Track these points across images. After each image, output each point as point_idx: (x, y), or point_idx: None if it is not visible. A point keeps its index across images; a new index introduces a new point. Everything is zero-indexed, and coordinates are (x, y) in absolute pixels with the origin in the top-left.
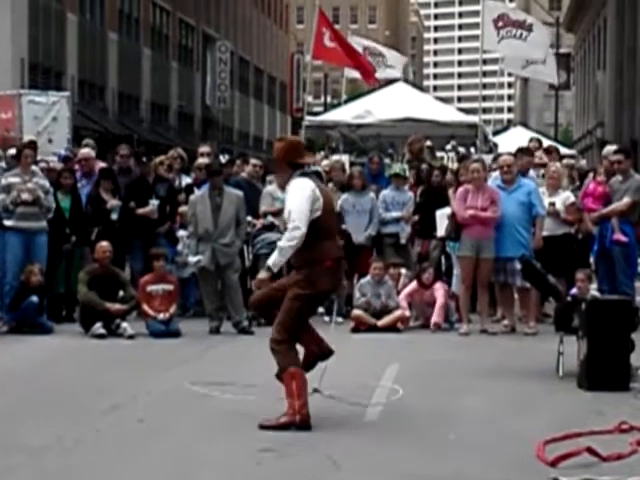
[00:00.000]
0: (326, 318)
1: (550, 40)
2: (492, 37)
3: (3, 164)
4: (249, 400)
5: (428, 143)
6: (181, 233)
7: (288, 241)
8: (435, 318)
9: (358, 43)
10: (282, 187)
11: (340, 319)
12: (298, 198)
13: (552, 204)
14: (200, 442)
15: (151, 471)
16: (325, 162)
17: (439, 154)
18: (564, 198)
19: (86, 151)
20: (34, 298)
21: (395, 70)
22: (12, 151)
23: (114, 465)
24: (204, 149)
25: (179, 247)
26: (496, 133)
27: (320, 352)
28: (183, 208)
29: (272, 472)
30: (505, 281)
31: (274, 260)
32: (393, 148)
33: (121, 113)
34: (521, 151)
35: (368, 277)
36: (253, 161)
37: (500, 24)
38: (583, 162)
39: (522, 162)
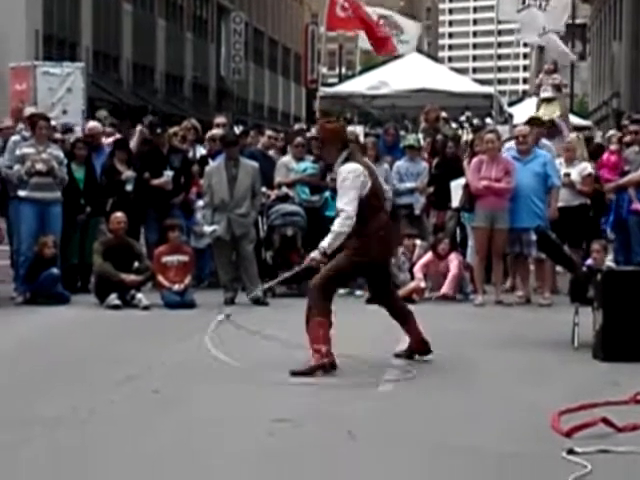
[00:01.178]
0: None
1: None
2: (511, 6)
3: (17, 137)
4: (264, 370)
5: (443, 114)
6: (199, 203)
7: (341, 227)
8: (445, 289)
9: (373, 12)
10: (329, 166)
11: (359, 292)
12: (349, 184)
13: (567, 175)
14: (214, 413)
15: (164, 442)
16: None
17: (454, 125)
18: (581, 169)
19: (92, 125)
20: (54, 270)
21: (409, 46)
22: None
23: (128, 436)
24: (220, 120)
25: (197, 216)
26: (511, 104)
27: (419, 348)
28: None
29: (285, 443)
30: (520, 252)
31: (329, 243)
32: (407, 119)
33: (135, 84)
34: (531, 121)
35: None
36: (268, 132)
37: None
38: (599, 134)
39: (533, 132)
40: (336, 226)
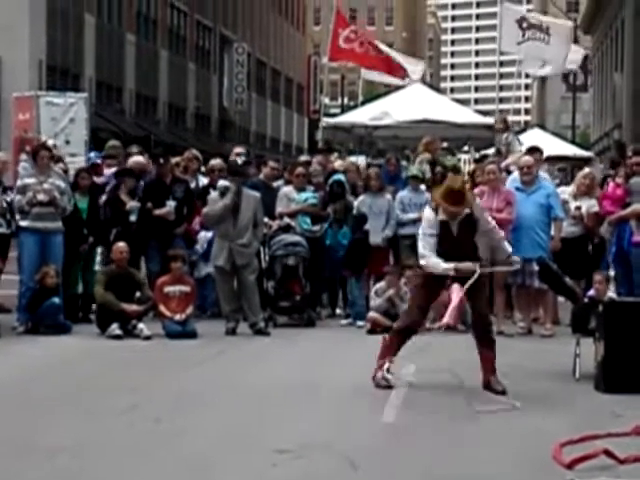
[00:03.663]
0: (343, 322)
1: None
2: (511, 38)
3: (20, 168)
4: (265, 401)
5: (444, 144)
6: (202, 234)
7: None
8: (446, 319)
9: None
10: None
11: (361, 322)
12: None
13: (578, 208)
14: (216, 443)
15: (166, 472)
16: (339, 163)
17: (458, 156)
18: (589, 205)
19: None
20: (56, 299)
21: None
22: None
23: (129, 466)
24: (239, 149)
25: (197, 247)
26: None
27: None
28: (205, 209)
29: (288, 473)
30: (523, 282)
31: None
32: (408, 149)
33: (138, 114)
34: (530, 151)
35: (383, 282)
36: (271, 164)
37: (524, 25)
38: (600, 167)
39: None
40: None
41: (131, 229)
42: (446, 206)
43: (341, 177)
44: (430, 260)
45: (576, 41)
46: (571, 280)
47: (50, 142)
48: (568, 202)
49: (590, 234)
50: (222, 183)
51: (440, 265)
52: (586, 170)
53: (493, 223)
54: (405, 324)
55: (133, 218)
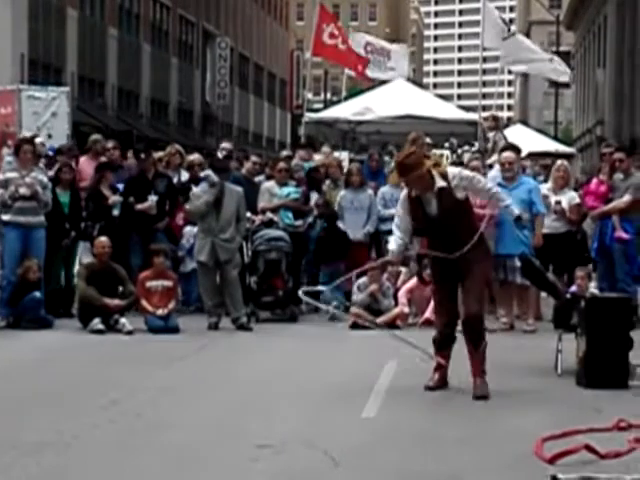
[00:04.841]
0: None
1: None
2: (497, 33)
3: (4, 163)
4: (247, 396)
5: (427, 140)
6: (187, 229)
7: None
8: (428, 314)
9: (361, 39)
10: (423, 193)
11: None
12: (477, 177)
13: (558, 202)
14: (197, 437)
15: (148, 467)
16: (318, 157)
17: (439, 151)
18: (570, 198)
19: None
20: (37, 294)
21: (396, 72)
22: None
23: (112, 461)
24: (225, 145)
25: (183, 242)
26: None
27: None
28: (187, 205)
29: (269, 469)
30: (505, 278)
31: (512, 209)
32: (391, 145)
33: (121, 109)
34: (507, 149)
35: (365, 277)
36: (253, 158)
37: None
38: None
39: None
40: (501, 196)
41: (114, 223)
42: (398, 179)
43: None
44: (390, 240)
45: (559, 37)
46: (554, 276)
47: (38, 140)
48: (548, 197)
49: (575, 227)
50: (211, 176)
51: (388, 246)
52: (558, 162)
53: (483, 182)
54: (438, 331)
55: (116, 212)
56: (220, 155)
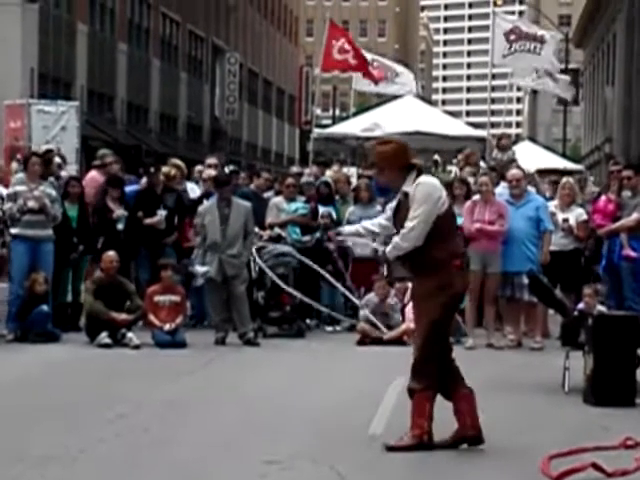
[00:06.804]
0: (328, 328)
1: (558, 47)
2: (502, 51)
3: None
4: (254, 411)
5: (436, 157)
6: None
7: (404, 241)
8: None
9: (371, 58)
10: (394, 189)
11: (329, 328)
12: (426, 199)
13: (566, 220)
14: (204, 453)
15: None
16: (328, 173)
17: (449, 168)
18: (577, 215)
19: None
20: (44, 307)
21: (405, 87)
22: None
23: (118, 476)
24: (211, 160)
25: (193, 256)
26: None
27: (471, 434)
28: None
29: None
30: (512, 295)
31: (388, 250)
32: None
33: (130, 123)
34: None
35: (373, 294)
36: (265, 175)
37: (512, 37)
38: (591, 179)
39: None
40: (399, 239)
41: (119, 237)
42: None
43: (328, 179)
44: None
45: (568, 54)
46: (561, 293)
47: (57, 160)
48: (555, 214)
49: (583, 244)
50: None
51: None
52: (563, 180)
53: (419, 212)
54: None
55: (120, 226)
56: (222, 171)
